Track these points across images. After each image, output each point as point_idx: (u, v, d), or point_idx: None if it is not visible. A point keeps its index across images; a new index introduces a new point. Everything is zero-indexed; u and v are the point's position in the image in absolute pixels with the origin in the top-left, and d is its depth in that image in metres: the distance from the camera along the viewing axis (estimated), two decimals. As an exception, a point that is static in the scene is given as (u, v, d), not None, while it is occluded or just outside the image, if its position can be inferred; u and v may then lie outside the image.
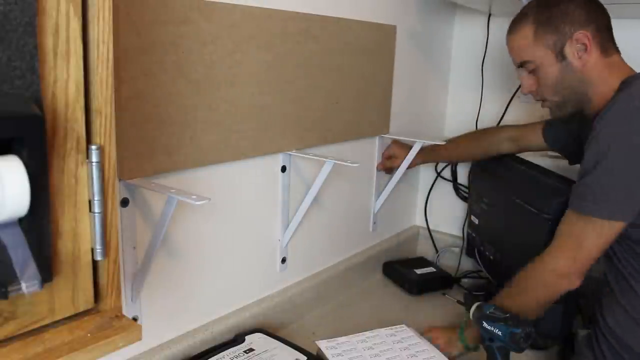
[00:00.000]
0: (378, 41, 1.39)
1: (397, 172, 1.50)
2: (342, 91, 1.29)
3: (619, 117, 0.96)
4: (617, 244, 1.04)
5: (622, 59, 1.08)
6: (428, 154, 1.53)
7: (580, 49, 1.04)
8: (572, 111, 1.12)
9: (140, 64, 0.84)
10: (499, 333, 1.00)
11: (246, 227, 1.13)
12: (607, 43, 1.06)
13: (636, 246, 1.01)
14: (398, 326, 1.23)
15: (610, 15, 1.09)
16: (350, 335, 1.18)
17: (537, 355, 1.22)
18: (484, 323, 1.03)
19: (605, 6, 1.09)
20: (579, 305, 1.32)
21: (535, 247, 1.18)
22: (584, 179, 0.98)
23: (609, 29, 1.08)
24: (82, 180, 0.53)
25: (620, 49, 1.10)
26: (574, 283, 1.03)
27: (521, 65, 1.12)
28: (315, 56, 1.18)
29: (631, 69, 1.07)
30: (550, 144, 1.34)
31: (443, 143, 1.51)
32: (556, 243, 1.04)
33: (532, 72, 1.11)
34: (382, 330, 1.21)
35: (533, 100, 1.19)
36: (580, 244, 1.00)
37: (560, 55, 1.06)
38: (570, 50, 1.05)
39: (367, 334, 1.19)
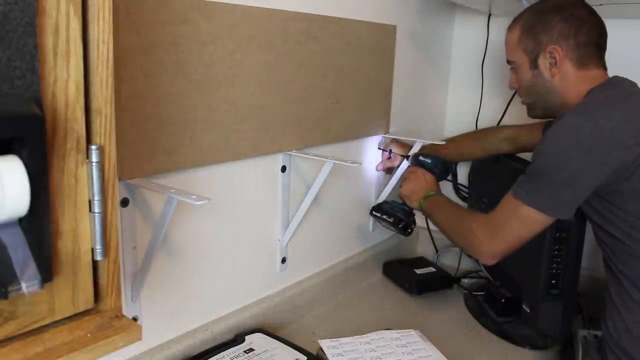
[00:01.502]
0: (378, 41, 1.39)
1: (397, 171, 1.49)
2: (342, 91, 1.29)
3: (558, 124, 1.01)
4: (615, 252, 1.04)
5: (603, 74, 1.10)
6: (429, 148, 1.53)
7: (551, 62, 1.10)
8: (542, 115, 1.20)
9: (140, 64, 0.84)
10: (429, 161, 1.36)
11: (246, 227, 1.13)
12: (587, 59, 1.09)
13: (632, 257, 1.02)
14: (405, 330, 1.21)
15: (612, 15, 1.09)
16: (355, 336, 1.17)
17: (537, 355, 1.22)
18: (420, 157, 1.38)
19: (606, 7, 1.09)
20: (579, 305, 1.32)
21: (535, 247, 1.18)
22: (527, 168, 1.05)
23: (597, 45, 1.09)
24: (82, 180, 0.53)
25: (620, 49, 1.11)
26: (487, 261, 1.10)
27: (508, 62, 1.21)
28: (315, 56, 1.18)
29: (607, 78, 1.09)
30: None
31: (443, 143, 1.51)
32: (488, 216, 1.10)
33: (515, 71, 1.19)
34: (388, 333, 1.20)
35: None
36: (503, 225, 1.06)
37: (534, 64, 1.13)
38: (542, 61, 1.12)
39: (372, 335, 1.18)
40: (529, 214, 1.02)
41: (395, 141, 1.51)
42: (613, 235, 1.04)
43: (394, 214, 1.36)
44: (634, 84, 1.08)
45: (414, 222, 1.37)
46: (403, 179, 1.38)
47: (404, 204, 1.37)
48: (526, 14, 1.15)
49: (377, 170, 1.50)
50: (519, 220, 1.04)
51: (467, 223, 1.14)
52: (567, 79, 1.10)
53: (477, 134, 1.58)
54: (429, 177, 1.33)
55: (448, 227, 1.20)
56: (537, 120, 1.31)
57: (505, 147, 1.45)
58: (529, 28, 1.12)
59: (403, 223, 1.35)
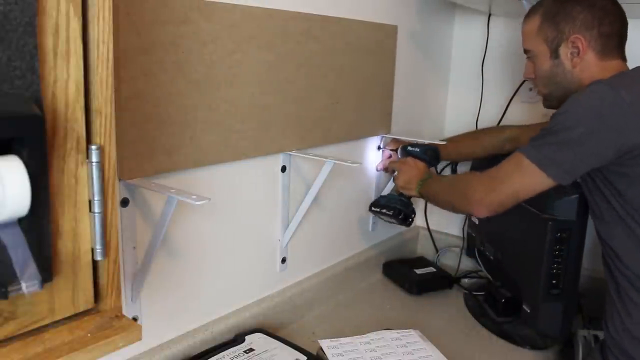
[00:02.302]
0: (379, 41, 1.39)
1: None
2: (342, 91, 1.29)
3: (582, 90, 1.02)
4: (614, 249, 1.04)
5: (623, 65, 1.09)
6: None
7: (573, 51, 1.08)
8: (558, 105, 1.15)
9: (140, 64, 0.84)
10: (417, 150, 1.38)
11: (246, 227, 1.13)
12: (609, 49, 1.07)
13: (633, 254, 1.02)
14: (405, 330, 1.21)
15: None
16: (355, 336, 1.17)
17: (537, 355, 1.22)
18: (409, 147, 1.40)
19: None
20: (579, 305, 1.32)
21: (535, 247, 1.18)
22: (540, 132, 1.05)
23: (619, 36, 1.08)
24: (82, 180, 0.53)
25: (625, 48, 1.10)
26: (481, 211, 1.10)
27: (525, 51, 1.18)
28: (316, 56, 1.18)
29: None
30: None
31: (444, 143, 1.51)
32: (491, 170, 1.10)
33: (532, 60, 1.17)
34: (388, 333, 1.19)
35: (533, 99, 1.21)
36: (502, 177, 1.07)
37: (555, 53, 1.11)
38: (564, 50, 1.09)
39: (372, 335, 1.18)
40: (528, 168, 1.02)
41: (395, 140, 1.51)
42: (610, 225, 1.03)
43: (392, 206, 1.38)
44: None
45: (413, 211, 1.39)
46: (394, 171, 1.39)
47: (401, 195, 1.38)
48: (547, 2, 1.12)
49: (377, 170, 1.50)
50: (519, 174, 1.04)
51: (465, 180, 1.18)
52: (588, 69, 1.08)
53: (478, 134, 1.57)
54: (420, 163, 1.34)
55: (447, 193, 1.21)
56: (543, 117, 1.29)
57: (506, 147, 1.44)
58: (551, 17, 1.10)
59: (402, 214, 1.37)
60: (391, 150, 1.47)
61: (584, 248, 1.20)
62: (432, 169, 1.44)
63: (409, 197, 1.38)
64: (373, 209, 1.43)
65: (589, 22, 1.06)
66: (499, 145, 1.45)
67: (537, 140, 1.03)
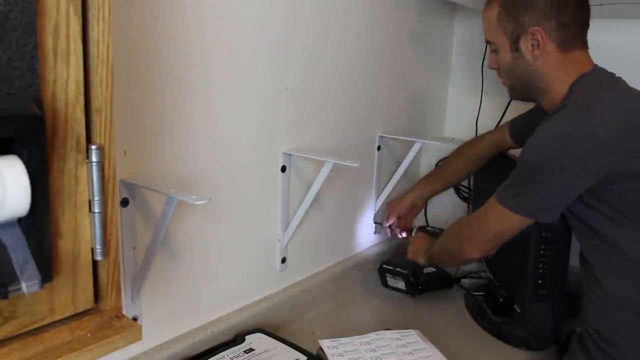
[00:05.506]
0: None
1: (397, 171, 1.50)
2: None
3: (546, 132, 0.98)
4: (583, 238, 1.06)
5: (585, 55, 1.06)
6: (422, 192, 1.48)
7: (534, 44, 1.04)
8: (523, 98, 1.16)
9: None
10: (434, 230, 1.46)
11: (246, 227, 1.13)
12: (570, 39, 1.03)
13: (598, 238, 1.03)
14: (406, 330, 1.20)
15: (612, 15, 1.08)
16: (356, 336, 1.17)
17: (536, 355, 1.22)
18: (427, 228, 1.51)
19: (606, 7, 1.07)
20: (575, 305, 1.32)
21: (521, 247, 1.18)
22: (511, 172, 1.04)
23: (580, 24, 1.04)
24: (82, 180, 0.53)
25: (621, 50, 1.09)
26: (472, 253, 1.13)
27: (486, 42, 1.14)
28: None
29: (591, 64, 1.06)
30: (516, 141, 1.35)
31: (441, 142, 1.51)
32: (474, 215, 1.15)
33: (494, 52, 1.13)
34: (389, 332, 1.19)
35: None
36: (481, 225, 1.10)
37: (515, 46, 1.07)
38: (524, 43, 1.05)
39: (372, 335, 1.18)
40: (506, 214, 1.03)
41: (395, 211, 1.48)
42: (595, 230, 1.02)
43: (404, 271, 1.38)
44: (612, 75, 1.04)
45: (423, 282, 1.38)
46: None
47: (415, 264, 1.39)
48: None
49: (388, 234, 1.54)
50: (499, 220, 1.05)
51: (455, 225, 1.22)
52: (550, 62, 1.04)
53: (463, 151, 1.50)
54: (429, 237, 1.38)
55: (443, 244, 1.25)
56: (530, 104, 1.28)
57: (491, 153, 1.43)
58: (509, 7, 1.05)
59: (413, 277, 1.37)
60: (403, 231, 1.50)
61: (570, 248, 1.19)
62: None
63: (422, 268, 1.37)
64: (385, 266, 1.40)
65: (547, 12, 1.02)
66: (485, 155, 1.44)
67: (510, 186, 1.03)
